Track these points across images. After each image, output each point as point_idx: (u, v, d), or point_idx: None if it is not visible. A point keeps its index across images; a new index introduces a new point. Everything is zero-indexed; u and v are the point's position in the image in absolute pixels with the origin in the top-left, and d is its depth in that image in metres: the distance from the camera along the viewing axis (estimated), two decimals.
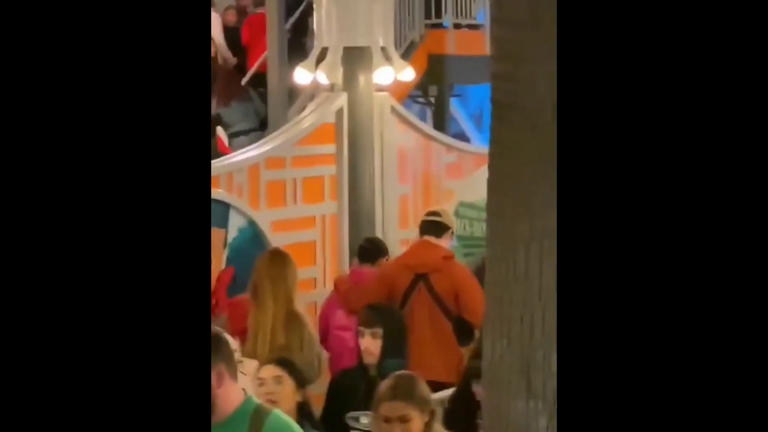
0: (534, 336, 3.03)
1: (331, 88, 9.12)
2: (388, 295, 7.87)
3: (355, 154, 9.07)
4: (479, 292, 7.41)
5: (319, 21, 9.28)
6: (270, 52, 11.81)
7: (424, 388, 5.01)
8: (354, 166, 9.07)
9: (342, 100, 9.05)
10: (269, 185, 8.69)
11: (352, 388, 6.26)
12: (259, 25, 12.22)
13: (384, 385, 4.99)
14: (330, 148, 9.06)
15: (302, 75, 9.21)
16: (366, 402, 5.60)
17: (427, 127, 10.10)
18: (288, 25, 11.95)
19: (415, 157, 9.60)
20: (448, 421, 5.49)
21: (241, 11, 13.51)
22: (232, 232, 8.35)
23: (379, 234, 9.12)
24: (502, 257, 3.10)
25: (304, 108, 12.11)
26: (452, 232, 8.35)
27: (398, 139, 9.39)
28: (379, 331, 6.40)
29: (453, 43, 12.56)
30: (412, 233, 8.89)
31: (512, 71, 3.07)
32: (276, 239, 8.58)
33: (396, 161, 9.36)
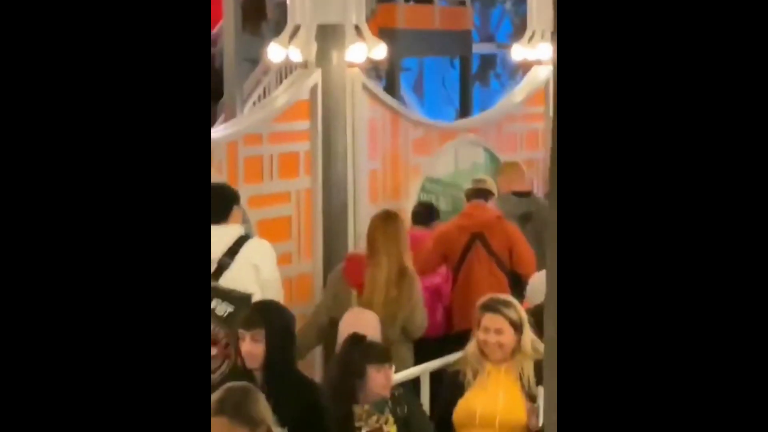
0: None
1: (305, 65, 9.19)
2: (447, 254, 8.54)
3: (329, 131, 9.17)
4: (529, 248, 8.39)
5: None
6: (225, 23, 11.84)
7: (257, 405, 4.34)
8: (327, 142, 9.18)
9: (316, 77, 9.13)
10: (246, 161, 8.76)
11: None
12: None
13: (214, 396, 4.32)
14: (305, 125, 9.15)
15: (275, 51, 9.27)
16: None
17: (397, 104, 10.21)
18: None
19: (384, 133, 9.74)
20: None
21: None
22: None
23: (350, 208, 9.26)
24: None
25: (258, 81, 12.09)
26: (495, 197, 9.11)
27: (369, 115, 9.51)
28: (261, 332, 5.71)
29: (403, 17, 12.70)
30: (382, 207, 9.02)
31: None
32: (253, 214, 8.66)
33: (367, 137, 9.50)
